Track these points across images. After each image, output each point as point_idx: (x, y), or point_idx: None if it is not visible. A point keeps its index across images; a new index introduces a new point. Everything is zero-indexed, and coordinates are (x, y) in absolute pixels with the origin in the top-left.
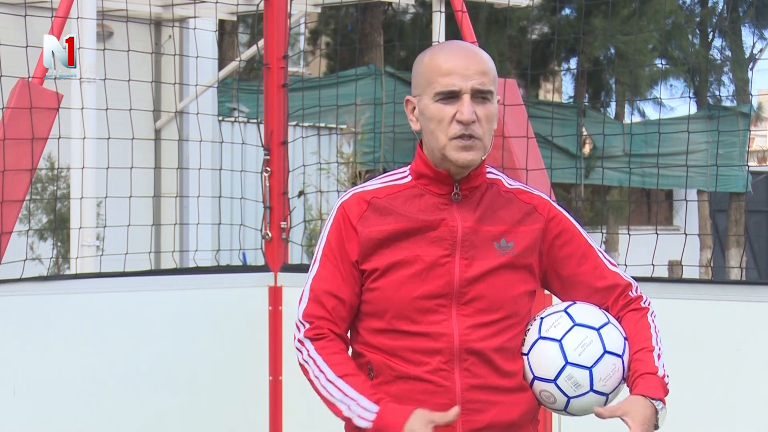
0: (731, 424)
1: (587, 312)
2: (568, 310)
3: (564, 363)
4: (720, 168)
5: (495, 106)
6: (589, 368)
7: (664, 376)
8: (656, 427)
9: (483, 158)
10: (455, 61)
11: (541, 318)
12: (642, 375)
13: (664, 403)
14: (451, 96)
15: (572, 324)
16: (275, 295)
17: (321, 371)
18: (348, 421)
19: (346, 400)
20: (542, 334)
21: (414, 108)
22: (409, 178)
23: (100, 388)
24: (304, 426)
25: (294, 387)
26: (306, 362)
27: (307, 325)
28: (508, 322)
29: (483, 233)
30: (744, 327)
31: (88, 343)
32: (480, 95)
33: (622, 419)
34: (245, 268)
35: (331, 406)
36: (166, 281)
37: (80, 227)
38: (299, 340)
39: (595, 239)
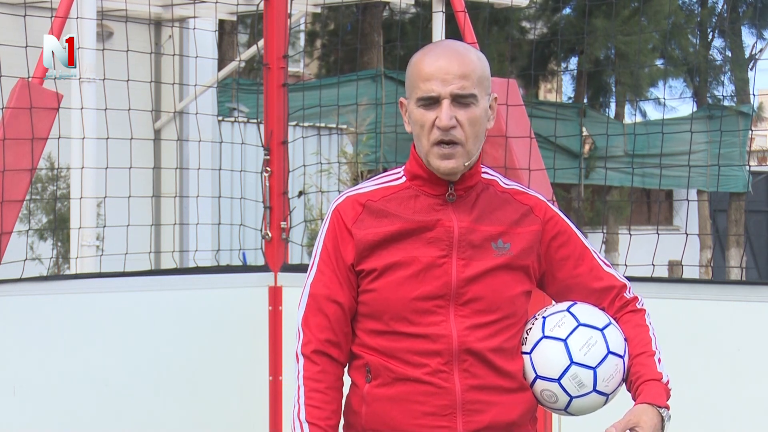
0: (731, 424)
1: (590, 312)
2: (570, 310)
3: (569, 362)
4: (720, 168)
5: (480, 109)
6: (594, 368)
7: (667, 382)
8: None
9: (467, 163)
10: (436, 65)
11: (544, 317)
12: (646, 381)
13: (668, 409)
14: (431, 101)
15: (577, 324)
16: (275, 295)
17: (297, 402)
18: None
19: None
20: (546, 334)
21: (406, 110)
22: (404, 179)
23: (101, 388)
24: None
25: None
26: (296, 380)
27: (304, 337)
28: (506, 323)
29: (480, 233)
30: (744, 327)
31: (88, 343)
32: (461, 100)
33: (632, 431)
34: (245, 268)
35: None
36: (166, 281)
37: (80, 227)
38: (296, 353)
39: (592, 239)
